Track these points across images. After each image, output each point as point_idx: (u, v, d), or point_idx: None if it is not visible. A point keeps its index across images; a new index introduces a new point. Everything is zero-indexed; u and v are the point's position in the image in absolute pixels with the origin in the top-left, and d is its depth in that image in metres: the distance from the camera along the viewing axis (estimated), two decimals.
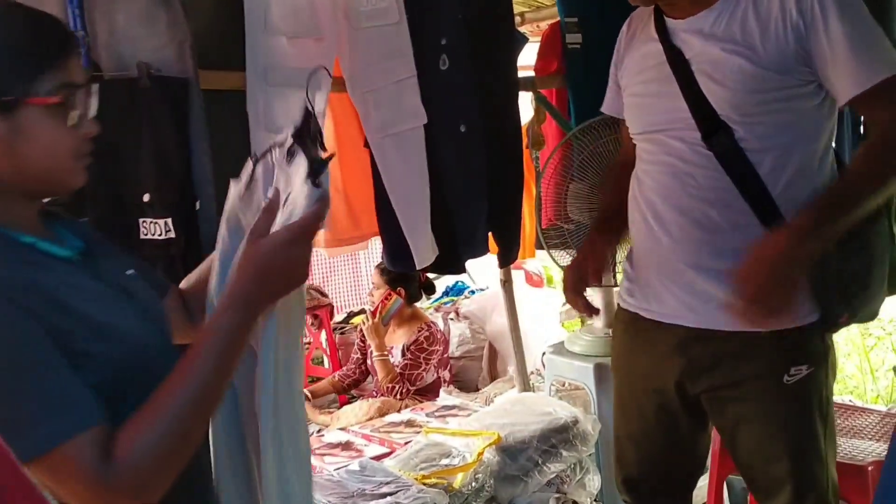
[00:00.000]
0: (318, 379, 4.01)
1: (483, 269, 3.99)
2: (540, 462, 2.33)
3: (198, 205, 1.85)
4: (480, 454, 2.24)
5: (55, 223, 1.08)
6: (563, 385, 2.85)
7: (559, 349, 2.77)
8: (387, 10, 2.19)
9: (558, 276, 4.24)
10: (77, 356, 0.92)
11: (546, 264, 4.67)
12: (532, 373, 3.20)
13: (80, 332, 0.94)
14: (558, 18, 2.65)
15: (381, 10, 2.18)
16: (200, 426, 0.98)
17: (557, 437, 2.39)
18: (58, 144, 0.99)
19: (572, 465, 2.44)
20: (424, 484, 2.14)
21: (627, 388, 1.81)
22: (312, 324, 4.10)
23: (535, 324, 3.87)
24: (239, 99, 1.99)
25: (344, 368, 3.77)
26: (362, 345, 3.65)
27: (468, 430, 2.41)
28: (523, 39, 2.62)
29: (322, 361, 4.23)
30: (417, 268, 2.29)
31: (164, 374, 0.97)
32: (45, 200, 1.09)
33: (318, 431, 3.13)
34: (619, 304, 1.82)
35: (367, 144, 2.22)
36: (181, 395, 0.93)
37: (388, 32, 2.20)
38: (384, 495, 2.10)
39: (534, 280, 4.76)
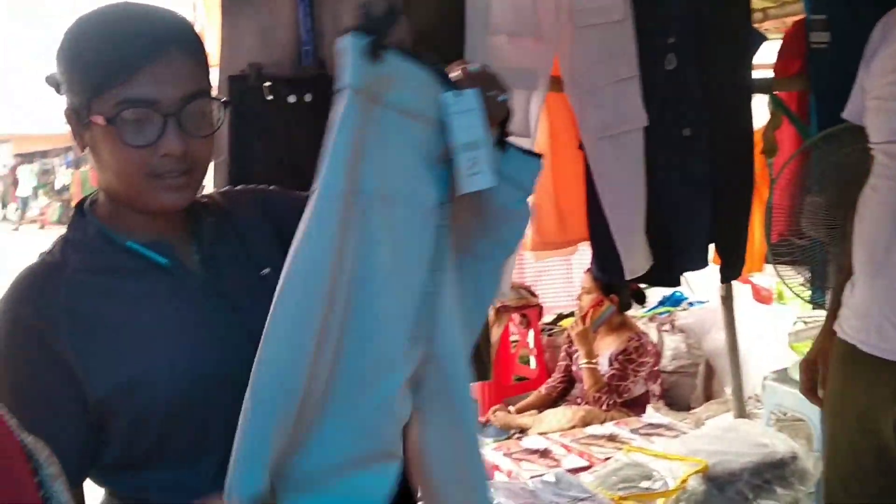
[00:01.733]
0: (523, 379, 3.98)
1: (705, 280, 3.77)
2: (750, 497, 2.14)
3: None
4: (684, 481, 2.10)
5: (203, 223, 1.07)
6: (784, 415, 2.62)
7: (782, 376, 2.55)
8: (611, 7, 2.10)
9: (790, 292, 3.91)
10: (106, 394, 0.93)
11: (778, 279, 4.34)
12: (750, 398, 2.97)
13: (114, 361, 0.94)
14: (804, 15, 2.41)
15: (605, 8, 2.09)
16: None
17: (772, 473, 2.19)
18: (120, 163, 0.95)
19: None
20: None
21: (840, 425, 1.63)
22: (521, 322, 4.07)
23: (759, 344, 3.60)
24: None
25: (551, 379, 3.69)
26: (570, 350, 3.57)
27: (673, 453, 2.27)
28: (760, 38, 2.41)
29: (528, 361, 4.20)
30: (627, 278, 2.18)
31: (223, 398, 0.93)
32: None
33: (519, 434, 3.10)
34: (837, 334, 1.64)
35: (581, 146, 2.14)
36: None
37: (612, 30, 2.11)
38: None
39: (762, 295, 4.44)
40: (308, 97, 1.81)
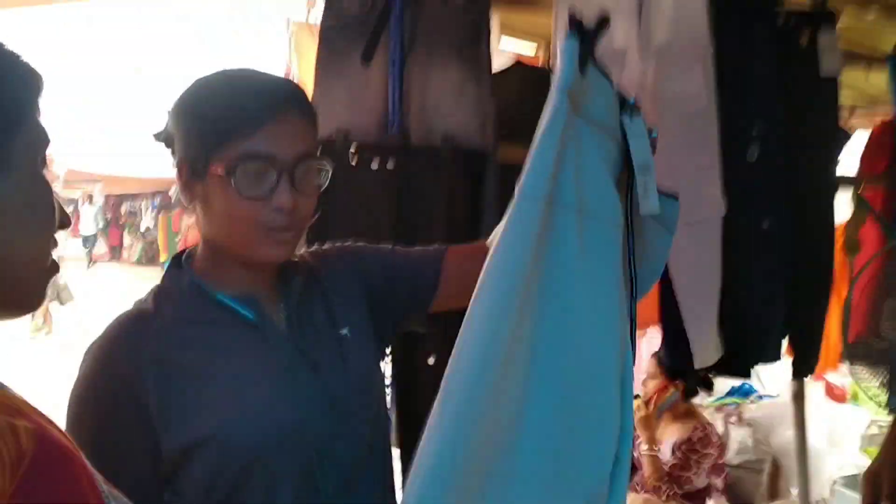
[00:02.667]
0: None
1: (776, 374, 3.66)
2: None
3: None
4: None
5: (291, 281, 1.10)
6: None
7: (853, 483, 2.44)
8: (696, 94, 2.10)
9: (864, 393, 3.77)
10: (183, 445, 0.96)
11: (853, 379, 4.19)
12: (818, 502, 2.84)
13: (194, 416, 0.97)
14: (893, 114, 2.38)
15: (689, 95, 2.10)
16: None
17: None
18: (233, 213, 0.99)
19: None
20: None
21: None
22: None
23: (830, 444, 3.46)
24: None
25: None
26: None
27: None
28: (845, 137, 2.39)
29: None
30: (696, 367, 2.14)
31: (297, 454, 0.97)
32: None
33: None
34: None
35: None
36: None
37: (694, 116, 2.11)
38: None
39: (835, 394, 4.28)
40: (391, 164, 1.86)
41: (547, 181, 0.83)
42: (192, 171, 1.01)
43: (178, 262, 1.09)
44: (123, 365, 0.98)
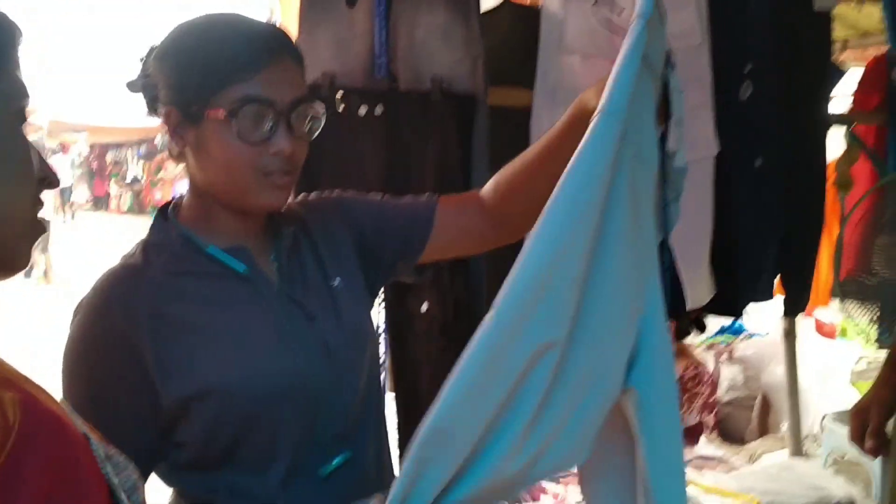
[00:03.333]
0: None
1: (766, 311, 3.68)
2: None
3: None
4: None
5: (282, 232, 1.09)
6: (842, 458, 2.53)
7: (844, 417, 2.46)
8: (688, 31, 2.07)
9: (855, 329, 3.81)
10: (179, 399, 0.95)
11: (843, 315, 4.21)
12: (808, 436, 2.89)
13: (191, 367, 0.96)
14: (886, 48, 2.35)
15: (682, 32, 2.06)
16: None
17: None
18: (231, 159, 0.97)
19: None
20: None
21: None
22: None
23: (820, 380, 3.49)
24: (524, 117, 1.98)
25: None
26: None
27: (725, 489, 2.22)
28: (838, 73, 2.36)
29: None
30: (689, 307, 2.14)
31: (294, 407, 0.96)
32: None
33: None
34: None
35: None
36: None
37: (688, 55, 2.07)
38: None
39: (825, 330, 4.32)
40: (379, 110, 1.83)
41: (626, 105, 0.79)
42: (185, 116, 0.98)
43: (165, 214, 1.07)
44: (118, 319, 0.96)
